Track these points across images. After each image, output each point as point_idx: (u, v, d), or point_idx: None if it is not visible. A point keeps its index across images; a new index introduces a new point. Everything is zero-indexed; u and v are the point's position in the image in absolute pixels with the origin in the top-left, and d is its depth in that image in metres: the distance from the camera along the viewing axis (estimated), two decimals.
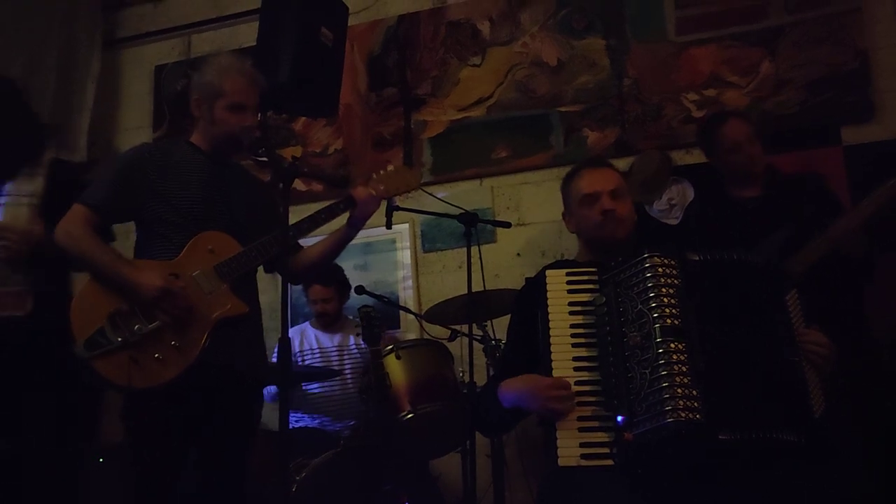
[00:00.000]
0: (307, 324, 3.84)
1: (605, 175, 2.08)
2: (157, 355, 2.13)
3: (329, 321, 3.75)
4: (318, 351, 3.70)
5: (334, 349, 3.71)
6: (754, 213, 2.77)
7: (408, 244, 4.14)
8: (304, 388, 3.63)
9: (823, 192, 2.84)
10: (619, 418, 1.65)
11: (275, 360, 2.92)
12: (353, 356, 3.68)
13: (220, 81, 2.34)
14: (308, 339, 3.74)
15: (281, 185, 2.17)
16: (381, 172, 2.51)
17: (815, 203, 2.72)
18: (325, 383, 3.61)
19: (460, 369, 3.19)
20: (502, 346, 2.83)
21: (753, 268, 1.80)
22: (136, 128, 4.65)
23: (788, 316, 1.76)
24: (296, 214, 2.30)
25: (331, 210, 2.42)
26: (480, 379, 2.88)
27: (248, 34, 4.06)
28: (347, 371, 3.64)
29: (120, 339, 2.11)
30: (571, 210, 2.11)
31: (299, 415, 3.60)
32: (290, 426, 3.45)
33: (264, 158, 2.31)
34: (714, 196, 2.97)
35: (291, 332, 3.77)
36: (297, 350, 3.69)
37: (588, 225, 2.04)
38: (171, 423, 2.17)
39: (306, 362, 3.66)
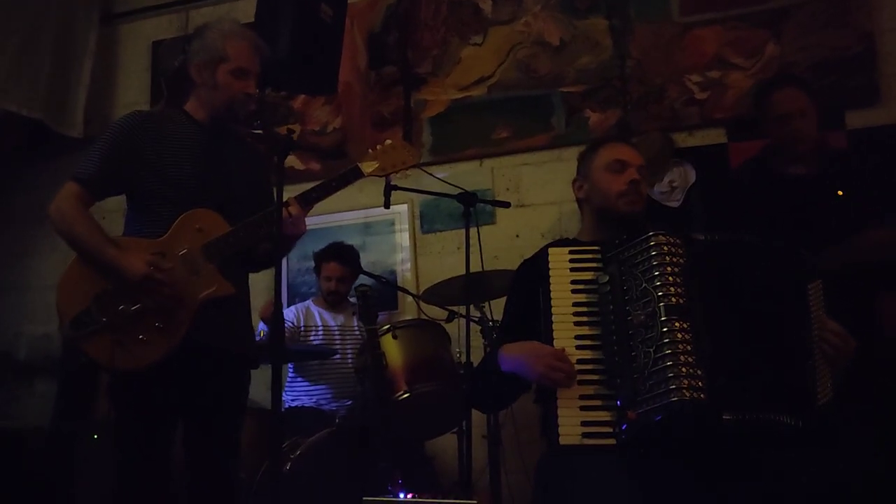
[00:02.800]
0: (310, 301, 3.85)
1: (633, 151, 2.08)
2: (141, 336, 2.10)
3: (336, 300, 3.75)
4: (321, 329, 3.70)
5: (337, 329, 3.72)
6: (800, 193, 2.61)
7: (406, 225, 4.12)
8: (306, 365, 3.64)
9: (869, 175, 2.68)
10: (622, 397, 1.64)
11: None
12: (355, 337, 3.68)
13: (224, 45, 2.29)
14: (313, 317, 3.75)
15: (276, 158, 2.14)
16: (378, 147, 2.45)
17: (859, 189, 2.57)
18: (325, 361, 3.61)
19: (457, 350, 3.18)
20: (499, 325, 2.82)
21: (764, 251, 1.77)
22: (133, 104, 4.60)
23: (808, 304, 1.74)
24: (290, 193, 2.26)
25: (343, 178, 2.35)
26: (477, 360, 2.87)
27: (246, 10, 4.02)
28: (349, 351, 3.64)
29: (105, 320, 2.09)
30: (590, 175, 2.06)
31: (295, 393, 3.60)
32: (287, 405, 3.48)
33: (259, 131, 2.28)
34: (758, 171, 2.80)
35: (294, 307, 3.78)
36: (303, 325, 3.70)
37: (609, 191, 1.99)
38: (156, 403, 2.16)
39: (311, 339, 3.67)
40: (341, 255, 3.73)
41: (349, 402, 3.48)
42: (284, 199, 2.18)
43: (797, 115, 2.64)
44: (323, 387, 3.61)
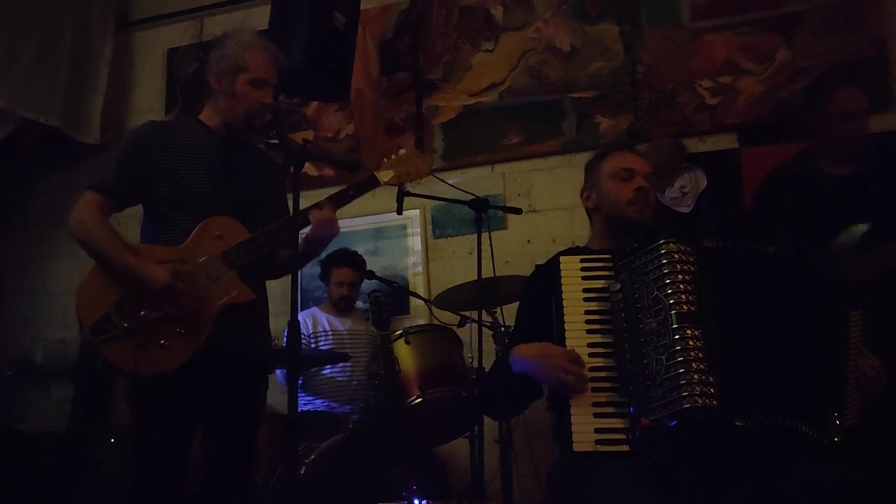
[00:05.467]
0: (315, 308, 3.86)
1: (640, 159, 2.08)
2: (162, 342, 2.10)
3: (345, 306, 3.77)
4: (331, 333, 3.72)
5: (346, 333, 3.73)
6: (843, 193, 2.55)
7: (418, 230, 4.14)
8: (317, 371, 3.65)
9: None
10: (635, 404, 1.64)
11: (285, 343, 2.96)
12: (363, 341, 3.69)
13: (244, 55, 2.30)
14: (321, 323, 3.76)
15: (292, 168, 2.16)
16: (393, 157, 2.48)
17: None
18: (336, 367, 3.63)
19: (469, 355, 3.19)
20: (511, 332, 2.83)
21: (779, 259, 1.77)
22: (148, 111, 4.66)
23: (847, 326, 1.73)
24: (305, 199, 2.28)
25: (360, 186, 2.38)
26: (489, 365, 2.88)
27: (260, 17, 4.05)
28: (359, 355, 3.65)
29: (126, 325, 2.08)
30: (598, 184, 2.05)
31: (309, 398, 3.62)
32: (300, 409, 3.50)
33: (275, 141, 2.28)
34: (800, 168, 2.71)
35: (302, 315, 3.79)
36: (311, 332, 3.71)
37: (617, 200, 1.99)
38: (175, 407, 2.16)
39: (321, 345, 3.68)
40: (352, 261, 3.75)
41: (361, 405, 3.49)
42: (312, 203, 2.21)
43: (859, 114, 2.60)
44: (334, 391, 3.63)
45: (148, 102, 4.75)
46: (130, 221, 2.40)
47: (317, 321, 3.77)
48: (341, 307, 3.78)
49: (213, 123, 2.36)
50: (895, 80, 3.53)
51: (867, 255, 2.35)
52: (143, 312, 2.10)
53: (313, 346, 3.68)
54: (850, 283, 1.80)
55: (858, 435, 1.69)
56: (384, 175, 2.44)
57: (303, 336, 3.68)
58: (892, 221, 2.39)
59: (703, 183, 3.69)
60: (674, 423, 1.57)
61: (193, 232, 2.21)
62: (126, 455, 3.21)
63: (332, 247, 3.77)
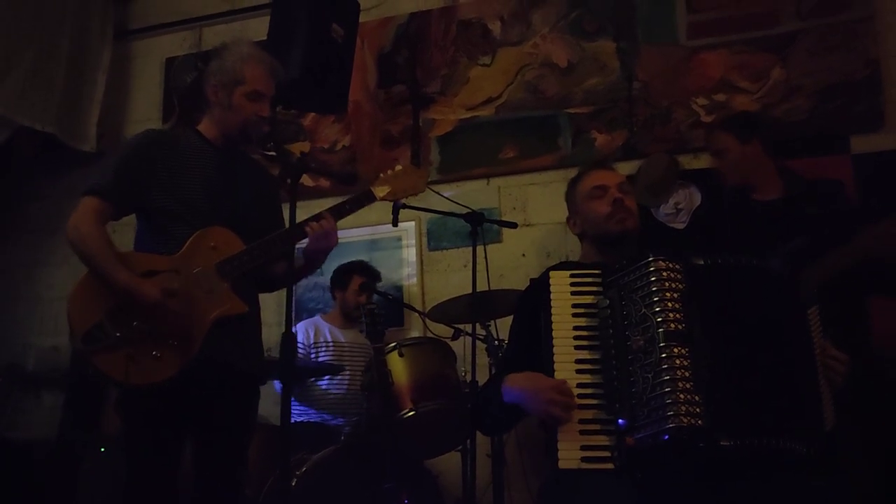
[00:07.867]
0: (318, 317, 3.85)
1: (611, 172, 2.14)
2: (154, 353, 2.08)
3: (357, 315, 3.76)
4: (332, 345, 3.71)
5: (347, 345, 3.72)
6: (770, 217, 2.69)
7: (413, 242, 4.15)
8: (314, 382, 3.63)
9: (839, 200, 2.76)
10: (621, 422, 1.64)
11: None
12: (364, 354, 3.68)
13: (242, 68, 2.32)
14: (323, 333, 3.75)
15: (289, 180, 2.17)
16: (389, 172, 2.50)
17: (829, 209, 2.64)
18: (334, 378, 3.61)
19: (463, 368, 3.19)
20: (504, 347, 2.84)
21: (765, 274, 1.78)
22: (145, 120, 4.66)
23: (808, 329, 1.74)
24: (302, 210, 2.29)
25: (356, 201, 2.41)
26: (483, 378, 2.85)
27: (259, 28, 4.07)
28: (357, 367, 3.63)
29: (118, 335, 2.06)
30: (578, 208, 2.12)
31: (303, 408, 3.60)
32: (293, 420, 3.48)
33: (272, 153, 2.30)
34: (732, 196, 2.88)
35: (303, 324, 3.79)
36: (311, 342, 3.70)
37: (597, 217, 2.03)
38: (166, 417, 2.15)
39: (321, 356, 3.67)
40: (372, 275, 3.78)
41: (355, 419, 3.48)
42: (309, 215, 2.22)
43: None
44: (330, 402, 3.61)
45: (145, 111, 4.74)
46: (127, 228, 2.39)
47: (319, 331, 3.75)
48: (353, 316, 3.76)
49: (211, 135, 2.37)
50: (887, 100, 3.55)
51: (810, 268, 2.40)
52: (135, 323, 2.09)
53: (313, 356, 3.66)
54: (804, 279, 1.82)
55: (836, 441, 1.70)
56: (380, 190, 2.47)
57: (303, 346, 3.67)
58: (825, 240, 2.48)
59: (698, 200, 3.70)
60: (658, 442, 1.57)
61: (188, 242, 2.21)
62: (116, 465, 3.20)
63: (330, 257, 3.80)
